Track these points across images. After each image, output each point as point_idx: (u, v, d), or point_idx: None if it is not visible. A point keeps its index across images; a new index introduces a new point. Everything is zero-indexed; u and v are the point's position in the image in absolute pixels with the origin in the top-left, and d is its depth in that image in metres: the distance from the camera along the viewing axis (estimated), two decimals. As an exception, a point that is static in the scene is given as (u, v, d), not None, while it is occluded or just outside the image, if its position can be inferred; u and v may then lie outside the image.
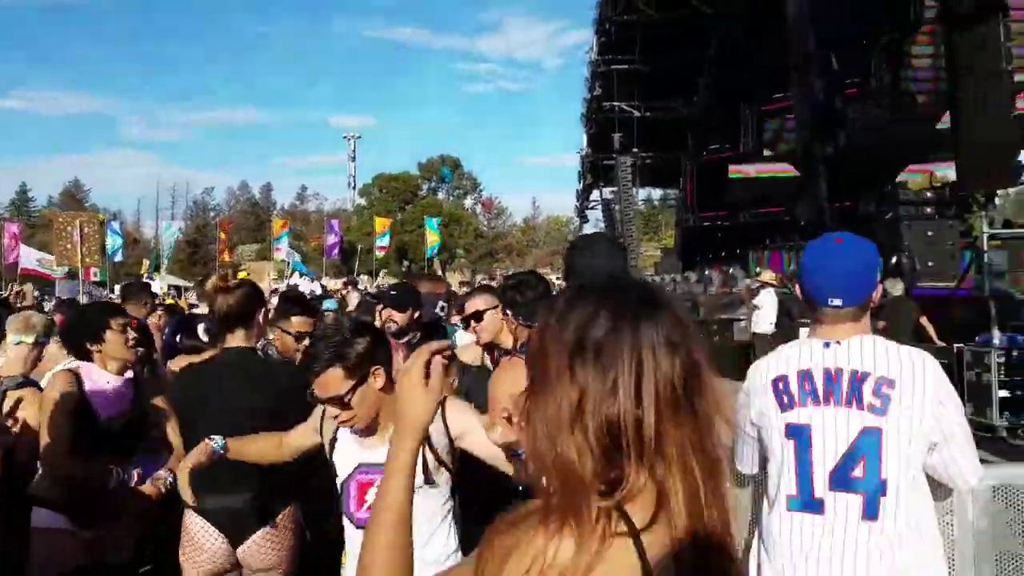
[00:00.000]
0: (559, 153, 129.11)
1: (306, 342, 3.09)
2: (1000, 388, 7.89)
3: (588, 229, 42.07)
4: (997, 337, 8.17)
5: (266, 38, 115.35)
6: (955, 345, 8.52)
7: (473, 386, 3.08)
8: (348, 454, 2.16)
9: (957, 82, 11.45)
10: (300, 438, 2.39)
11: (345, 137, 64.18)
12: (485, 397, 2.63)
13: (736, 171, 24.86)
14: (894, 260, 12.61)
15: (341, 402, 2.03)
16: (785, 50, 15.92)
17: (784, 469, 1.85)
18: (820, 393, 1.81)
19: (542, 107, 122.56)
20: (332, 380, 2.03)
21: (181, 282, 36.62)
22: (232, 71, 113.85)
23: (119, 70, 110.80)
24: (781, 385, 1.87)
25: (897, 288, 9.74)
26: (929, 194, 13.89)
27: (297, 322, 3.62)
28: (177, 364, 3.77)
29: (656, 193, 43.98)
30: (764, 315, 11.08)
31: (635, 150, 26.02)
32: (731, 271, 19.83)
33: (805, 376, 1.84)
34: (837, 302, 1.82)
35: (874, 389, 1.77)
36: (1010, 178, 11.54)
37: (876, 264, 1.89)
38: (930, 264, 12.58)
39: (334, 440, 2.21)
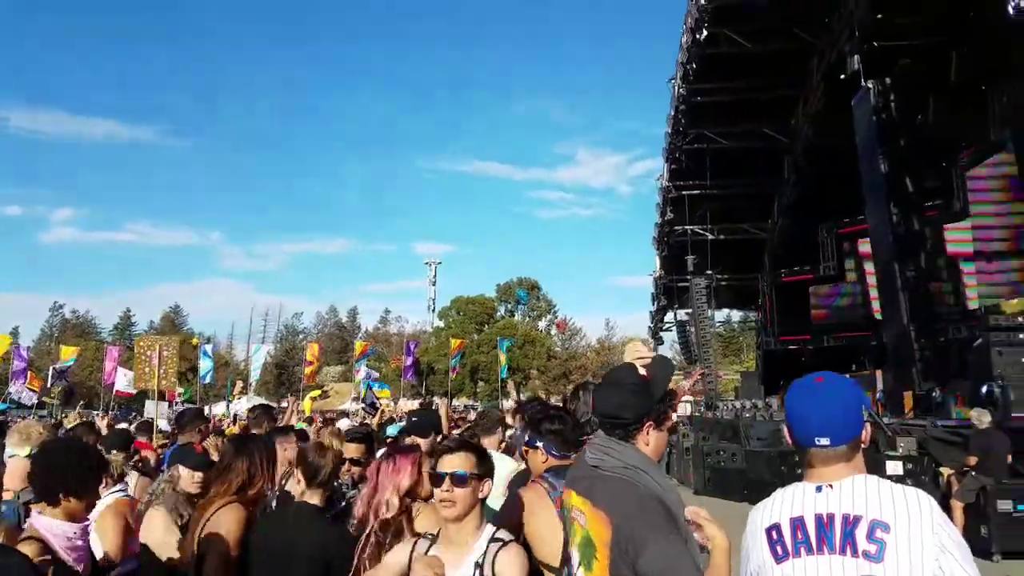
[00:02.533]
0: (632, 275, 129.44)
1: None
2: None
3: (663, 351, 41.37)
4: None
5: (355, 175, 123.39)
6: None
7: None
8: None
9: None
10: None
11: (427, 263, 66.54)
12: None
13: (817, 294, 24.33)
14: (984, 390, 11.75)
15: (459, 480, 2.25)
16: (858, 171, 15.85)
17: None
18: (813, 542, 1.75)
19: (617, 231, 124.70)
20: (462, 460, 2.31)
21: (266, 402, 37.54)
22: (323, 204, 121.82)
23: (218, 204, 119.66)
24: (775, 534, 1.81)
25: (985, 419, 9.19)
26: (1022, 319, 13.04)
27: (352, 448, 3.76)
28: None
29: (736, 315, 43.23)
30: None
31: (710, 272, 25.86)
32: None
33: (797, 524, 1.78)
34: (824, 441, 1.79)
35: (868, 534, 1.69)
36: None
37: (860, 401, 1.86)
38: (1026, 394, 11.62)
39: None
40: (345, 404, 39.77)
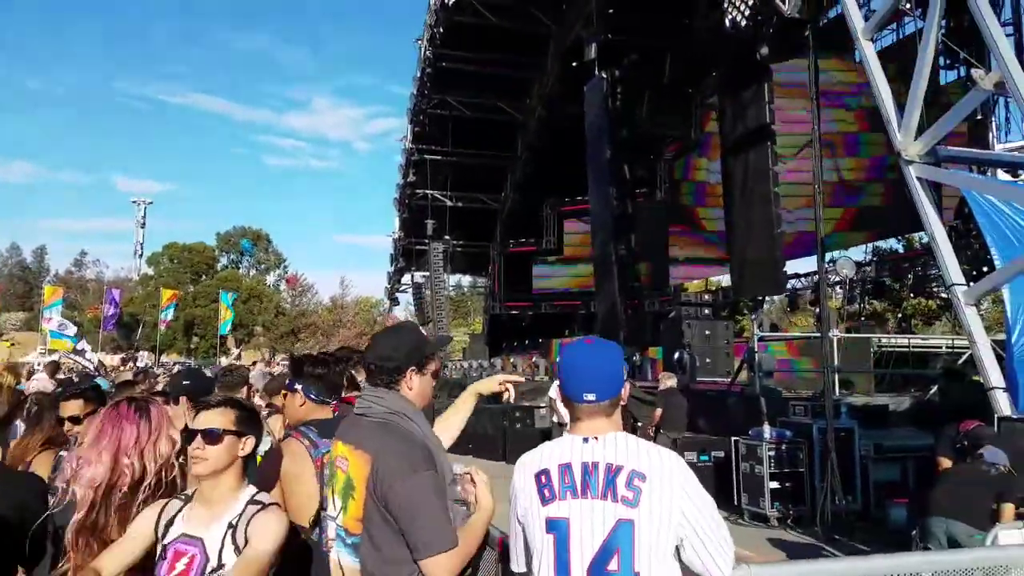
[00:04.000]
0: (370, 233, 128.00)
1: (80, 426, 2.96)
2: (771, 479, 8.54)
3: (398, 311, 41.69)
4: (767, 431, 8.79)
5: (46, 91, 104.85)
6: (732, 438, 9.16)
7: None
8: (175, 530, 2.14)
9: (732, 201, 12.90)
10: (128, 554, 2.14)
11: (134, 202, 59.31)
12: None
13: (539, 269, 26.28)
14: (676, 356, 13.77)
15: (211, 437, 2.14)
16: (584, 158, 17.22)
17: (544, 565, 1.86)
18: (578, 486, 1.86)
19: (354, 186, 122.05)
20: (219, 416, 2.19)
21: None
22: (5, 121, 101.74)
23: None
24: (543, 479, 1.90)
25: (671, 381, 10.54)
26: (706, 296, 15.44)
27: (72, 405, 3.22)
28: None
29: (466, 280, 45.03)
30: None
31: (447, 237, 26.58)
32: (534, 359, 20.51)
33: (565, 469, 1.88)
34: (591, 397, 1.91)
35: (627, 481, 1.82)
36: (779, 287, 13.04)
37: (622, 363, 2.00)
38: (707, 361, 13.84)
39: (168, 525, 2.16)
40: (30, 356, 34.16)
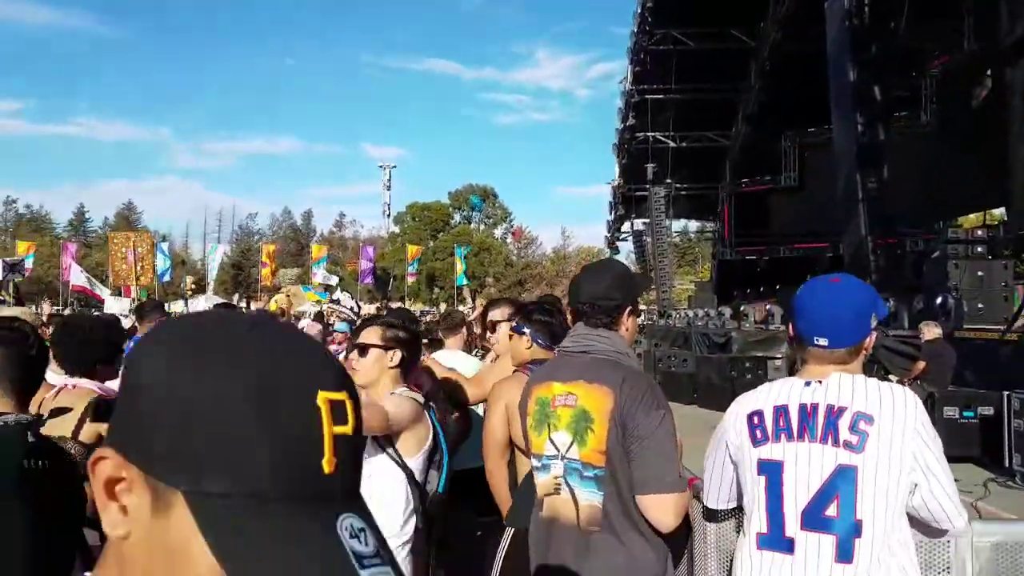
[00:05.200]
0: (590, 184, 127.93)
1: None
2: None
3: (620, 259, 41.39)
4: None
5: (303, 70, 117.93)
6: (1004, 393, 8.07)
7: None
8: None
9: (1009, 118, 10.82)
10: None
11: (380, 167, 64.82)
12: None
13: (776, 207, 24.32)
14: (939, 301, 11.90)
15: (361, 350, 2.49)
16: (825, 80, 15.42)
17: (755, 506, 1.82)
18: (794, 429, 1.78)
19: (574, 137, 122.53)
20: (370, 333, 2.51)
21: (226, 301, 37.15)
22: (268, 103, 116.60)
23: (168, 99, 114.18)
24: (756, 420, 1.84)
25: (934, 331, 9.46)
26: (981, 232, 13.11)
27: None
28: None
29: (692, 225, 43.33)
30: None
31: (669, 181, 25.52)
32: (769, 308, 19.09)
33: (780, 412, 1.81)
34: (823, 342, 1.79)
35: (851, 424, 1.71)
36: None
37: (869, 309, 1.83)
38: (980, 307, 11.81)
39: None
40: (303, 306, 39.61)
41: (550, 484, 2.10)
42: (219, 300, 38.27)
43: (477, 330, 5.13)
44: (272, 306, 15.00)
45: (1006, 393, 7.96)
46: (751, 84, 22.56)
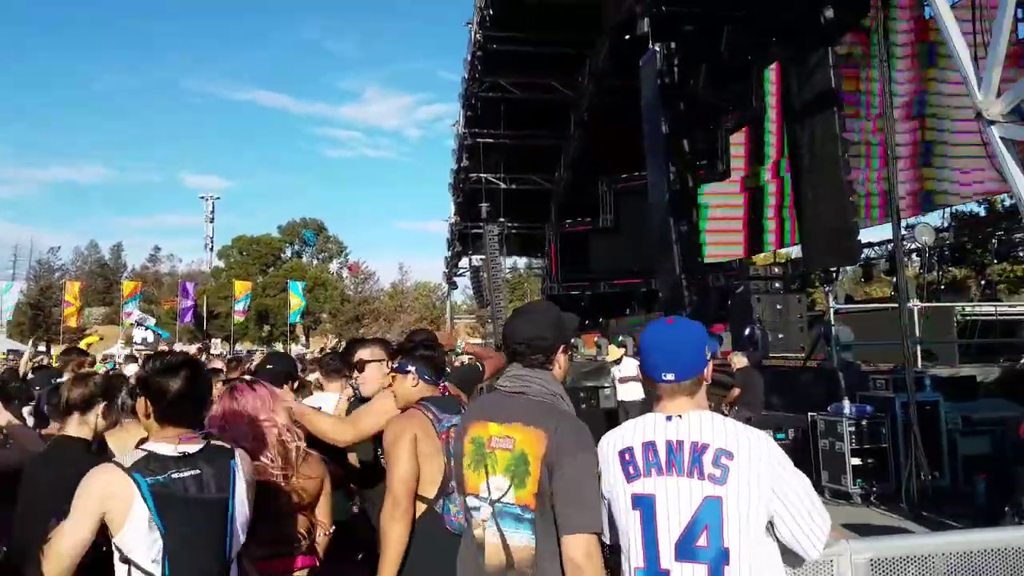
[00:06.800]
0: (424, 219, 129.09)
1: None
2: (852, 456, 8.35)
3: (456, 296, 41.94)
4: (847, 407, 8.61)
5: (114, 93, 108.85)
6: (809, 414, 8.99)
7: None
8: None
9: (799, 170, 12.45)
10: None
11: (202, 197, 60.98)
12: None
13: (596, 246, 25.96)
14: (747, 332, 13.43)
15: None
16: (640, 133, 16.86)
17: (632, 541, 1.89)
18: (663, 463, 1.87)
19: (407, 174, 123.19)
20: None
21: (20, 346, 32.93)
22: (77, 126, 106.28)
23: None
24: (627, 456, 1.93)
25: (741, 361, 10.30)
26: (776, 269, 14.90)
27: None
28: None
29: (522, 261, 45.02)
30: (630, 384, 11.34)
31: (502, 219, 26.56)
32: (597, 339, 20.38)
33: (649, 447, 1.90)
34: (670, 376, 1.93)
35: (713, 459, 1.83)
36: (853, 257, 12.55)
37: (703, 343, 2.01)
38: (780, 336, 13.44)
39: None
40: (112, 348, 36.04)
41: (481, 524, 2.15)
42: (13, 345, 34.06)
43: (317, 374, 5.11)
44: (84, 347, 13.69)
45: (811, 415, 8.90)
46: (571, 132, 24.09)
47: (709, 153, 19.44)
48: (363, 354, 3.41)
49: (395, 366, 2.93)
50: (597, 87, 21.30)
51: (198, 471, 2.10)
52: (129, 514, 1.96)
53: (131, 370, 9.18)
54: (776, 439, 9.11)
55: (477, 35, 21.52)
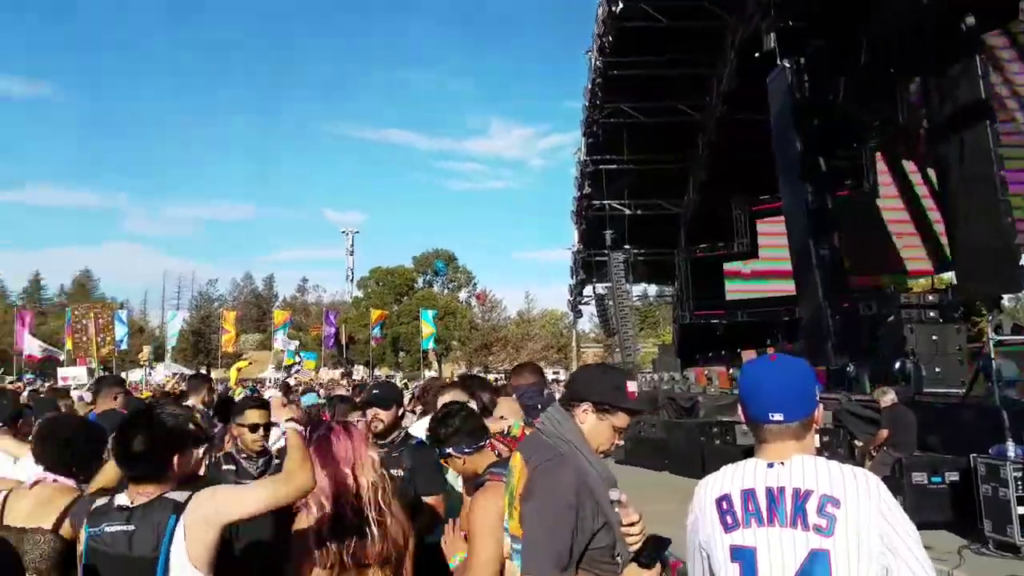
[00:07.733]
0: (549, 247, 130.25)
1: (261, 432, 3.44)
2: (1019, 504, 7.42)
3: (582, 324, 41.71)
4: (1012, 449, 7.68)
5: (260, 136, 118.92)
6: (971, 456, 8.08)
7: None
8: None
9: (948, 187, 11.33)
10: None
11: (343, 232, 64.97)
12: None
13: (731, 271, 24.86)
14: (897, 366, 12.19)
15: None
16: (769, 149, 16.06)
17: None
18: (764, 513, 1.74)
19: (530, 203, 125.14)
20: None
21: (184, 370, 36.30)
22: (230, 170, 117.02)
23: (124, 165, 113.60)
24: (725, 505, 1.80)
25: (888, 397, 9.48)
26: (931, 297, 13.53)
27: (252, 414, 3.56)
28: None
29: (652, 289, 44.03)
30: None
31: (627, 246, 26.05)
32: (731, 371, 19.32)
33: (748, 495, 1.77)
34: (778, 416, 1.77)
35: (818, 508, 1.69)
36: (1016, 283, 11.18)
37: (813, 381, 1.85)
38: (937, 371, 12.12)
39: None
40: (264, 372, 38.95)
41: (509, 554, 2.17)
42: (177, 368, 37.59)
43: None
44: (232, 374, 15.02)
45: (972, 456, 7.96)
46: (699, 154, 23.32)
47: (853, 171, 18.18)
48: (446, 398, 3.63)
49: (437, 452, 2.88)
50: (726, 107, 20.58)
51: (131, 527, 2.07)
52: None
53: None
54: (932, 483, 8.23)
55: (597, 62, 21.45)
